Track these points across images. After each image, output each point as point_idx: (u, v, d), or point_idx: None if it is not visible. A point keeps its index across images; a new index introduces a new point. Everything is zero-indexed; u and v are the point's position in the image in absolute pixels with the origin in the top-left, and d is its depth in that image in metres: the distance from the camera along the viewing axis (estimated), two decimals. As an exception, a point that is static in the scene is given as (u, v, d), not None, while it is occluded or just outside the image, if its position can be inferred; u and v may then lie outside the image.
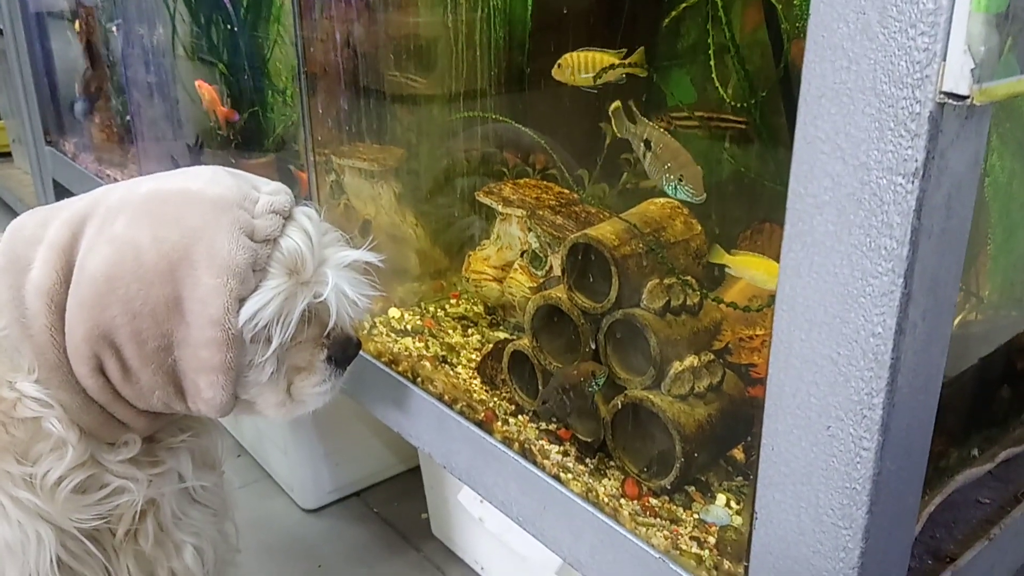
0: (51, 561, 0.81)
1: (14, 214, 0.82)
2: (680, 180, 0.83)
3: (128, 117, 1.89)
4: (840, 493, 0.61)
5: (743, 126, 0.96)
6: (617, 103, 0.84)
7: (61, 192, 2.34)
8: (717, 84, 0.89)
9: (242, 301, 0.77)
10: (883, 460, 0.59)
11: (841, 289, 0.57)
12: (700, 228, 0.88)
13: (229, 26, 1.46)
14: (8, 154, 3.41)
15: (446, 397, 1.07)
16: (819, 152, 0.56)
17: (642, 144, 0.83)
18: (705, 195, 0.84)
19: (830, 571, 0.63)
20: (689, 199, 0.84)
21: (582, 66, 1.00)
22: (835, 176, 0.55)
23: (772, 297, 0.63)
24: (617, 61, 0.98)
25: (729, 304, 0.82)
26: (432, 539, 1.52)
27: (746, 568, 0.71)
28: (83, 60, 2.17)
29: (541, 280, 1.13)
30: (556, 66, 1.02)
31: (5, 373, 0.79)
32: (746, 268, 0.82)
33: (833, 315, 0.58)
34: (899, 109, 0.52)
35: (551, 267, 1.11)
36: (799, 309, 0.60)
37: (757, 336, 0.91)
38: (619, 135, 0.84)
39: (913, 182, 0.52)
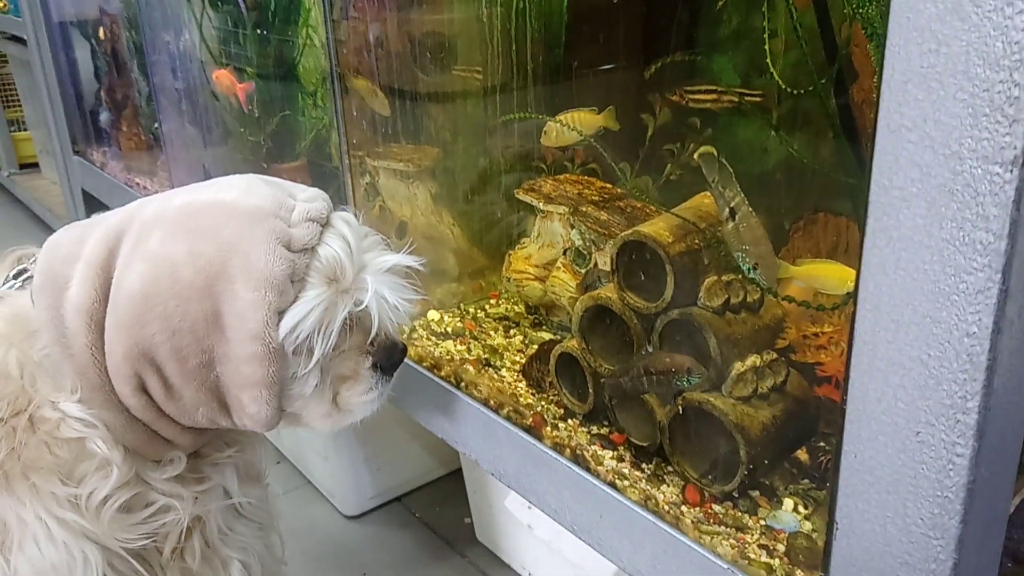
0: (98, 582, 0.80)
1: (44, 225, 0.80)
2: (755, 267, 0.82)
3: (156, 125, 1.88)
4: (931, 502, 0.57)
5: (759, 99, 0.94)
6: (710, 148, 0.82)
7: (90, 201, 2.34)
8: (772, 69, 0.85)
9: (281, 313, 0.75)
10: (978, 467, 0.55)
11: (931, 287, 0.53)
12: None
13: (258, 30, 1.44)
14: (36, 164, 3.43)
15: (491, 402, 1.05)
16: (905, 141, 0.52)
17: (728, 209, 0.80)
18: (776, 286, 0.83)
19: (919, 584, 0.60)
20: (759, 284, 0.83)
21: (566, 126, 1.05)
22: (924, 167, 0.52)
23: (848, 295, 0.59)
24: (595, 117, 1.06)
25: (801, 303, 0.79)
26: (476, 544, 1.49)
27: (823, 579, 0.68)
28: (105, 68, 2.16)
29: (583, 277, 1.09)
30: (543, 134, 1.07)
31: (48, 393, 0.78)
32: (814, 277, 0.78)
33: (923, 314, 0.54)
34: (995, 93, 0.48)
35: (595, 264, 1.08)
36: (884, 309, 0.56)
37: (824, 333, 0.88)
38: (708, 182, 0.82)
39: (1011, 171, 0.48)
